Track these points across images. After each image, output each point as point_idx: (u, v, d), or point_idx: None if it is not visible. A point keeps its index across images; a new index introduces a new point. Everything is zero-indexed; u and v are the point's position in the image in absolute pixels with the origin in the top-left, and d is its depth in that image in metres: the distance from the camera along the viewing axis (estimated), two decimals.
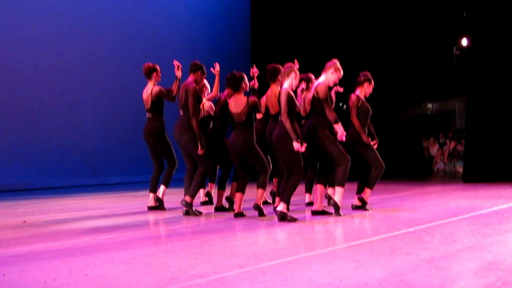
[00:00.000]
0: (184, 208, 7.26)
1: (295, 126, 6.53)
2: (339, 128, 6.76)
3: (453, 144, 16.33)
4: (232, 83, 6.97)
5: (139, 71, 8.08)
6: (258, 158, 6.95)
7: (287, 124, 6.42)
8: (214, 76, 8.06)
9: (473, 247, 4.90)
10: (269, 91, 7.28)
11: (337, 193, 6.93)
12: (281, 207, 6.54)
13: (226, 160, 7.76)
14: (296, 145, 6.40)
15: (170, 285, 3.78)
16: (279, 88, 6.92)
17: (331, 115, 6.73)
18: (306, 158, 7.66)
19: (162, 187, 7.84)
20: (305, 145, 6.51)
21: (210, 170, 7.42)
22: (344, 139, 6.89)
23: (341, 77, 7.04)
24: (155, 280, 3.90)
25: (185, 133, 7.23)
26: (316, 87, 6.88)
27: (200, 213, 7.33)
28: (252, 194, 7.24)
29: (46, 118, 12.36)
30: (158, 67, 7.88)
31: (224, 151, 7.42)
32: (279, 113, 6.65)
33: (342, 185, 6.89)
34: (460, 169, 14.67)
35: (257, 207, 6.97)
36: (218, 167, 8.13)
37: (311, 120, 6.96)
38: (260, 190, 6.97)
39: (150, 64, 7.88)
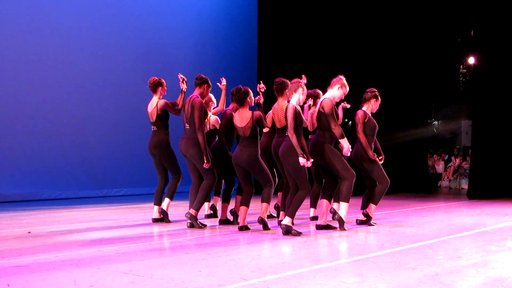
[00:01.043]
0: (189, 221, 7.28)
1: (302, 141, 6.55)
2: (345, 143, 6.77)
3: (458, 161, 16.32)
4: (237, 98, 7.01)
5: (145, 84, 8.14)
6: (262, 172, 6.96)
7: (293, 140, 6.43)
8: (220, 90, 8.11)
9: (478, 263, 4.89)
10: (276, 105, 7.30)
11: (342, 208, 6.93)
12: (286, 220, 6.55)
13: (231, 174, 7.80)
14: (301, 160, 6.41)
15: None
16: (286, 102, 6.95)
17: (337, 129, 6.74)
18: (312, 172, 7.68)
19: (166, 200, 7.87)
20: (312, 160, 6.52)
21: (216, 183, 7.44)
22: (349, 154, 6.91)
23: (347, 93, 7.06)
24: None
25: (191, 146, 7.26)
26: (321, 102, 6.90)
27: (205, 225, 7.35)
28: (257, 208, 7.23)
29: (52, 130, 12.42)
30: (163, 81, 7.92)
31: (229, 164, 7.43)
32: (285, 127, 6.67)
33: (346, 200, 6.90)
34: (465, 186, 14.65)
35: (261, 221, 6.98)
36: (223, 180, 8.15)
37: (316, 135, 6.97)
38: (264, 204, 6.97)
39: (156, 78, 7.93)
